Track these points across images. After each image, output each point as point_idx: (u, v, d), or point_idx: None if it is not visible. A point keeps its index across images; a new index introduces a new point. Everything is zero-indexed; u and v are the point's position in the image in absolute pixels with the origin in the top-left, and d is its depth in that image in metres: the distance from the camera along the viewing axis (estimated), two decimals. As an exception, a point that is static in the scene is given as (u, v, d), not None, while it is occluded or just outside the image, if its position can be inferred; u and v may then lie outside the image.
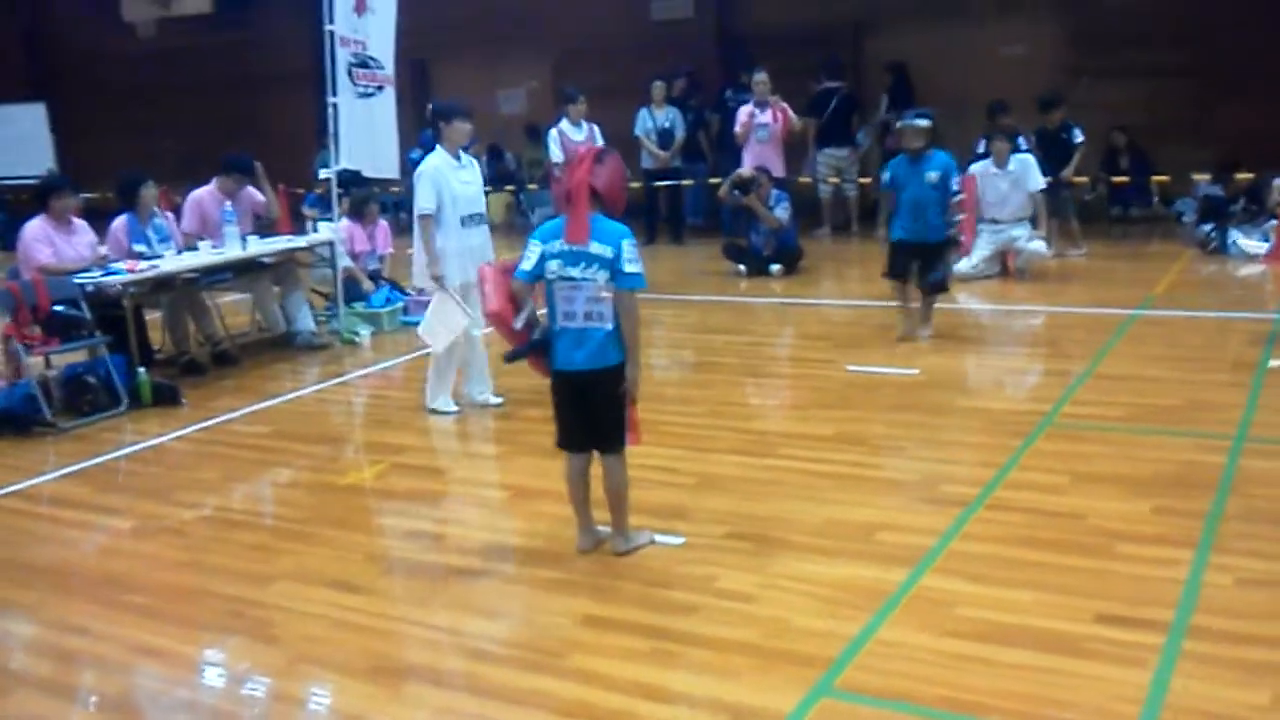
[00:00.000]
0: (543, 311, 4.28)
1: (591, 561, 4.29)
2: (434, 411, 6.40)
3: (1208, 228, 10.27)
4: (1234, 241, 9.98)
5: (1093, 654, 3.41)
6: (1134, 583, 3.87)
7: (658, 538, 4.42)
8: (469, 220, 6.22)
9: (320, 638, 3.83)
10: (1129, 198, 12.23)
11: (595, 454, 4.30)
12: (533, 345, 4.24)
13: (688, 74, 13.41)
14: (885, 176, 7.52)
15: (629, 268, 4.03)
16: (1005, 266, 9.62)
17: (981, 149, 9.80)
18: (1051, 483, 4.82)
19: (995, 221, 9.46)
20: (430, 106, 13.86)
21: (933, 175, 7.19)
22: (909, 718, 3.14)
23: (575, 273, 4.04)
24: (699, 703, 3.28)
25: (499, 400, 6.44)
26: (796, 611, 3.81)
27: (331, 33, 8.08)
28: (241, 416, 6.74)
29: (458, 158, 6.24)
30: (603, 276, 4.02)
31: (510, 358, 4.36)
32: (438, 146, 6.26)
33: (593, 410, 4.18)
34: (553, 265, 4.07)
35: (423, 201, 6.13)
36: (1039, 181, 9.34)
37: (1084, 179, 10.62)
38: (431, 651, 3.72)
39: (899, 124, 7.61)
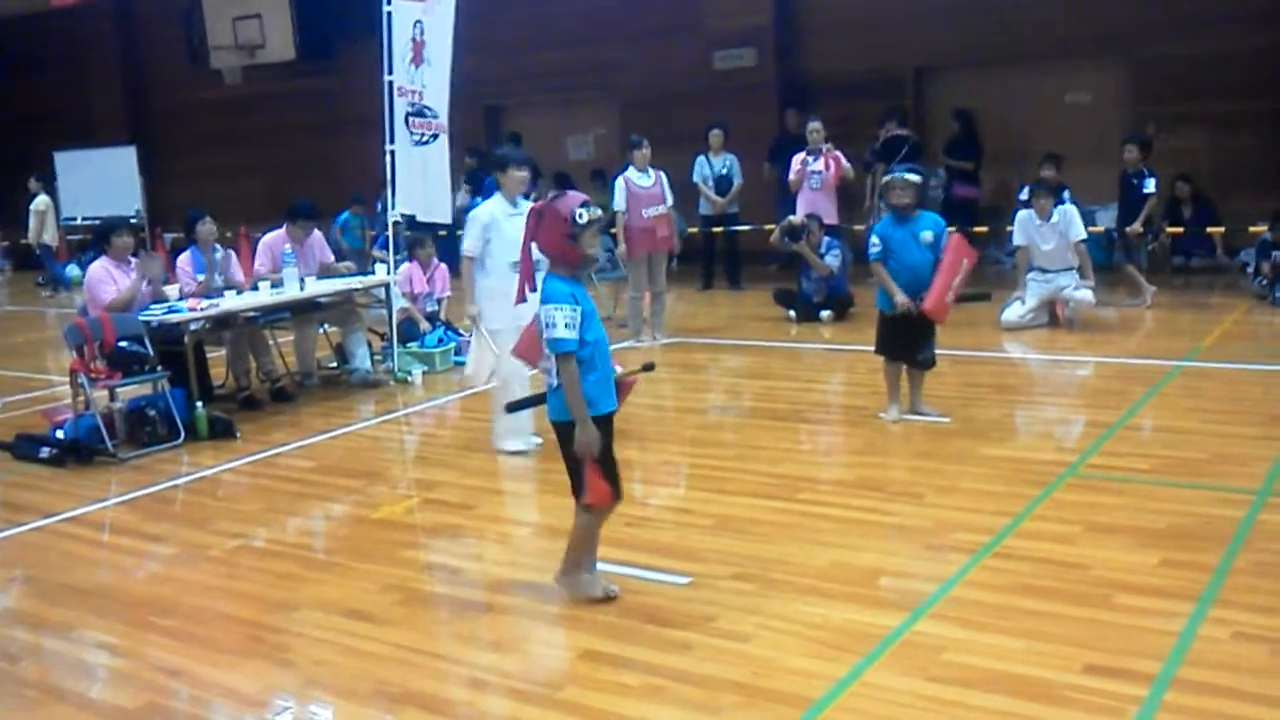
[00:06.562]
0: None
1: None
2: (502, 452, 6.56)
3: (1263, 279, 10.14)
4: (1293, 294, 9.85)
5: (1072, 703, 3.45)
6: (1127, 634, 3.88)
7: (665, 577, 4.54)
8: (519, 265, 6.39)
9: (331, 663, 4.02)
10: (1190, 248, 12.11)
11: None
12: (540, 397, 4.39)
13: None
14: (874, 244, 6.65)
15: (548, 333, 4.06)
16: (1054, 315, 9.59)
17: (1024, 196, 9.81)
18: (1063, 533, 4.84)
19: (1044, 270, 9.44)
20: (468, 155, 14.38)
21: (928, 235, 6.51)
22: (878, 758, 3.22)
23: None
24: (678, 737, 3.39)
25: (538, 441, 6.60)
26: (788, 652, 3.90)
27: (390, 83, 8.42)
28: (291, 451, 7.02)
29: (515, 204, 6.47)
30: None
31: (511, 408, 4.52)
32: (496, 193, 6.54)
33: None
34: None
35: (466, 245, 6.49)
36: (1081, 232, 9.31)
37: (1139, 228, 10.53)
38: (434, 680, 3.87)
39: (886, 177, 6.71)
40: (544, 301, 4.09)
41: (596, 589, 4.36)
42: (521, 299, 4.33)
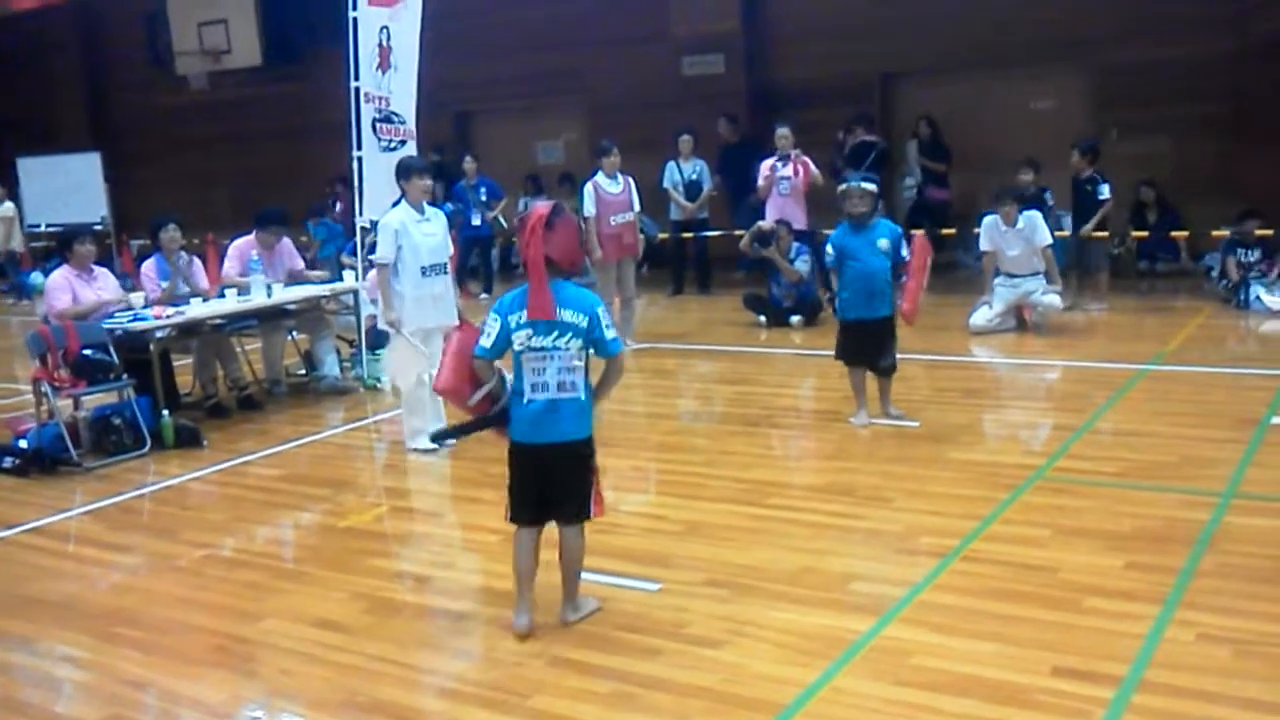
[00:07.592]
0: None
1: (568, 605, 4.40)
2: (414, 450, 6.75)
3: (1228, 281, 10.25)
4: (1257, 296, 9.95)
5: (1040, 706, 3.47)
6: (1095, 636, 3.91)
7: (635, 584, 4.54)
8: (430, 270, 6.64)
9: (299, 673, 3.99)
10: (1155, 252, 12.22)
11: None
12: (484, 421, 4.22)
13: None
14: (828, 254, 6.78)
15: (609, 334, 4.04)
16: (1022, 320, 9.66)
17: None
18: (1031, 536, 4.87)
19: (1011, 276, 9.50)
20: (433, 157, 14.38)
21: (884, 243, 6.56)
22: (848, 763, 3.22)
23: (547, 342, 3.98)
24: (647, 744, 3.38)
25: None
26: (758, 658, 3.90)
27: (357, 89, 8.38)
28: (259, 459, 6.96)
29: (420, 210, 6.66)
30: (576, 345, 4.00)
31: (438, 437, 4.46)
32: (402, 201, 6.69)
33: (558, 483, 4.10)
34: (521, 336, 4.00)
35: (380, 252, 6.62)
36: (1047, 237, 9.38)
37: (1105, 234, 10.63)
38: (402, 689, 3.85)
39: (841, 186, 6.76)
40: (595, 305, 4.05)
41: (593, 601, 4.35)
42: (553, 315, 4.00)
